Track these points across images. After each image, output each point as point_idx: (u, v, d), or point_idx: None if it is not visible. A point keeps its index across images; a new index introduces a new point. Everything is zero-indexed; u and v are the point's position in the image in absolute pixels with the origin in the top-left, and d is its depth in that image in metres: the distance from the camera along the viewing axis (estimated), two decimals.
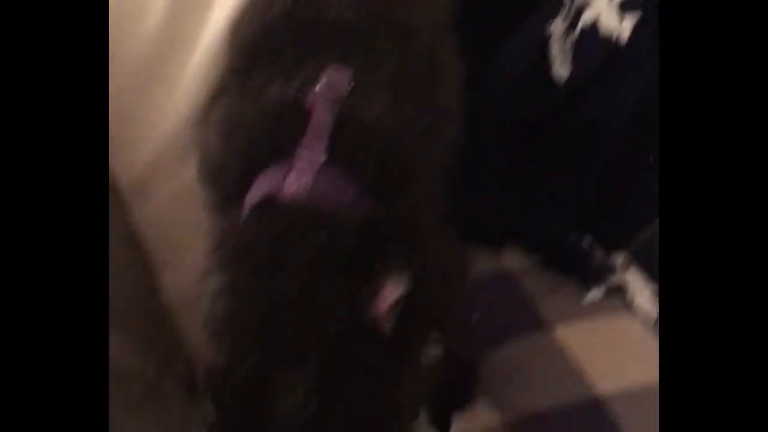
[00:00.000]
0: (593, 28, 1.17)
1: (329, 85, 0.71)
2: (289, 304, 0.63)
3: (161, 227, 0.90)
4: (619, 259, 1.12)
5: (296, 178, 0.67)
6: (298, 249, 0.64)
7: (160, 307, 0.84)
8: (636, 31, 1.15)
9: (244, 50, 0.79)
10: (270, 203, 0.67)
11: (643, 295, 1.06)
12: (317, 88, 0.71)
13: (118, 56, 0.90)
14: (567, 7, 1.25)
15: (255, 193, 0.69)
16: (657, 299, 1.05)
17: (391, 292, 0.64)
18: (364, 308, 0.63)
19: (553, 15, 1.26)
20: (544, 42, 1.26)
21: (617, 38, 1.14)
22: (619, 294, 1.06)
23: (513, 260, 1.09)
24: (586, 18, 1.20)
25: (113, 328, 0.62)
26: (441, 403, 0.89)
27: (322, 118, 0.69)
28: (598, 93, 1.15)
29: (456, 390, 0.91)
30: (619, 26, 1.16)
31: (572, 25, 1.22)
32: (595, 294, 1.04)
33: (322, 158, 0.69)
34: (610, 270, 1.08)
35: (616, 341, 0.99)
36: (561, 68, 1.22)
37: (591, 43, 1.16)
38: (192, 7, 0.96)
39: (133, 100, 0.93)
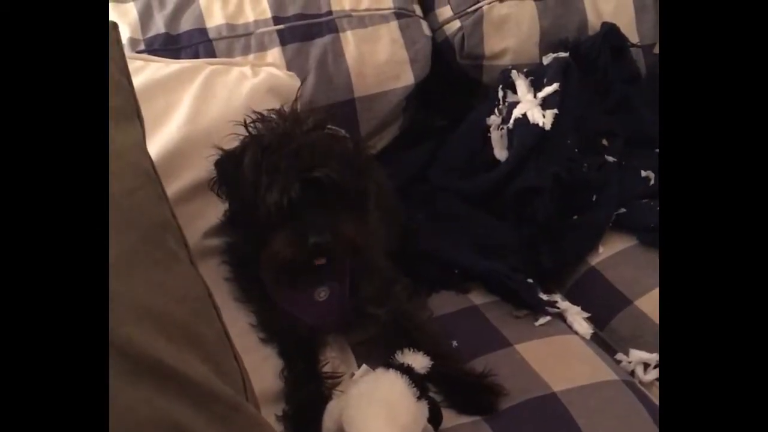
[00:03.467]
0: (524, 118, 1.53)
1: None
2: None
3: None
4: (556, 296, 1.43)
5: None
6: None
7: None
8: (556, 120, 1.52)
9: None
10: None
11: (578, 320, 1.36)
12: None
13: None
14: (500, 105, 1.63)
15: None
16: (590, 323, 1.36)
17: None
18: None
19: (491, 111, 1.64)
20: (485, 131, 1.62)
21: (543, 125, 1.50)
22: (560, 320, 1.36)
23: (479, 298, 1.39)
24: (517, 112, 1.56)
25: (200, 357, 0.79)
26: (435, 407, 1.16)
27: None
28: (531, 167, 1.49)
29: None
30: (543, 118, 1.53)
31: (505, 119, 1.60)
32: (542, 320, 1.33)
33: None
34: (551, 304, 1.38)
35: (563, 353, 1.27)
36: (500, 151, 1.59)
37: (524, 129, 1.52)
38: None
39: None
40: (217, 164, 1.15)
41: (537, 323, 1.33)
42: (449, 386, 1.17)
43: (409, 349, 1.16)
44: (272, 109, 1.16)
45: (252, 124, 1.14)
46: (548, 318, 1.34)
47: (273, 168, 1.06)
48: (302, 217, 1.07)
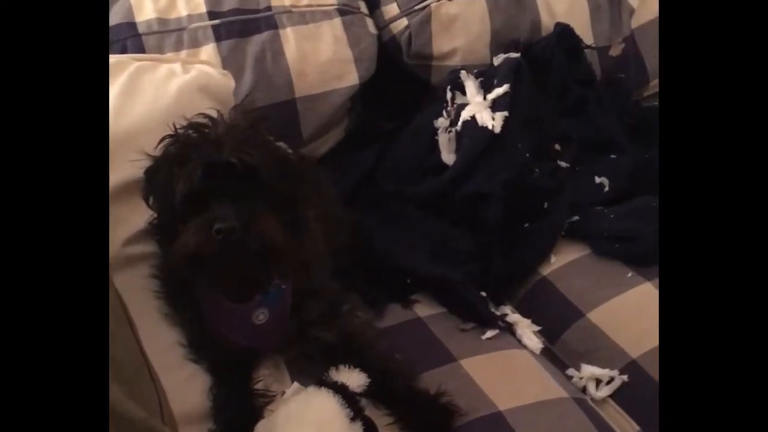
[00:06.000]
0: (473, 120, 1.50)
1: None
2: None
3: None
4: (507, 308, 1.40)
5: None
6: None
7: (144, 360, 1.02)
8: (506, 123, 1.49)
9: None
10: None
11: (527, 334, 1.33)
12: None
13: None
14: (449, 107, 1.59)
15: None
16: (540, 337, 1.34)
17: None
18: None
19: (439, 113, 1.60)
20: (433, 134, 1.58)
21: (492, 128, 1.47)
22: (508, 333, 1.33)
23: (424, 310, 1.35)
24: (465, 115, 1.53)
25: (111, 378, 0.74)
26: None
27: None
28: (480, 172, 1.46)
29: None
30: (492, 121, 1.49)
31: (453, 122, 1.56)
32: (490, 334, 1.29)
33: None
34: (499, 317, 1.35)
35: (511, 368, 1.23)
36: (448, 155, 1.55)
37: (472, 132, 1.49)
38: None
39: None
40: (147, 172, 1.10)
41: (484, 337, 1.29)
42: (401, 406, 1.13)
43: (345, 366, 1.12)
44: (203, 114, 1.10)
45: (182, 130, 1.08)
46: (496, 331, 1.30)
47: (184, 159, 1.01)
48: (211, 208, 1.01)
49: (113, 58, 1.31)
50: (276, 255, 1.04)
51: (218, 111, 1.09)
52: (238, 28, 1.50)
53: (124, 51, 1.43)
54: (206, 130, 1.06)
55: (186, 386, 1.12)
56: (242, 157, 1.00)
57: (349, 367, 1.12)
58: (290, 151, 1.13)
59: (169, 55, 1.44)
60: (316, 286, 1.18)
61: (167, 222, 1.08)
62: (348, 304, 1.23)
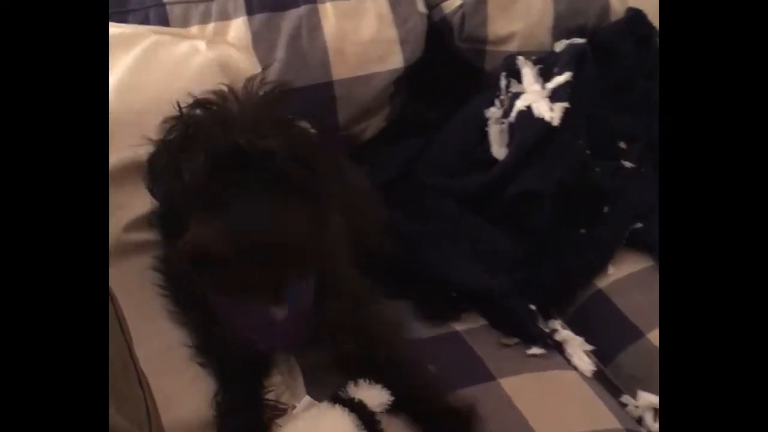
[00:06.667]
0: (528, 111, 1.38)
1: None
2: None
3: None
4: (555, 324, 1.27)
5: None
6: None
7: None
8: (566, 116, 1.37)
9: None
10: None
11: (578, 354, 1.21)
12: None
13: None
14: (502, 96, 1.47)
15: None
16: (592, 358, 1.21)
17: None
18: None
19: (491, 102, 1.48)
20: (482, 125, 1.46)
21: (550, 120, 1.35)
22: (556, 351, 1.20)
23: (462, 323, 1.23)
24: (520, 105, 1.41)
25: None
26: None
27: None
28: (532, 168, 1.34)
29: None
30: (550, 112, 1.37)
31: (507, 112, 1.44)
32: (535, 350, 1.17)
33: None
34: (548, 334, 1.22)
35: (557, 392, 1.12)
36: (499, 148, 1.43)
37: (526, 124, 1.37)
38: None
39: None
40: (149, 159, 1.00)
41: (529, 352, 1.18)
42: (427, 428, 1.04)
43: (366, 381, 1.02)
44: (212, 91, 0.99)
45: (188, 108, 0.98)
46: (543, 350, 1.19)
47: (188, 144, 0.91)
48: (227, 203, 0.89)
49: (130, 29, 1.24)
50: (295, 256, 0.93)
51: (228, 87, 0.98)
52: (271, 0, 1.41)
53: (145, 21, 1.35)
54: (214, 108, 0.95)
55: (187, 391, 1.03)
56: (254, 140, 0.89)
57: (370, 382, 1.01)
58: (313, 131, 1.00)
59: (193, 29, 1.35)
60: (338, 283, 1.08)
61: (171, 213, 0.98)
62: (374, 307, 1.12)
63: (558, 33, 1.56)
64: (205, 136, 0.91)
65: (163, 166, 0.95)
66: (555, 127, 1.36)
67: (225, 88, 0.98)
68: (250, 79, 0.98)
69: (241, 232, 0.87)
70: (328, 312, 1.06)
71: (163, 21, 1.35)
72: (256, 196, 0.89)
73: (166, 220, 1.02)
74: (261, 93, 0.98)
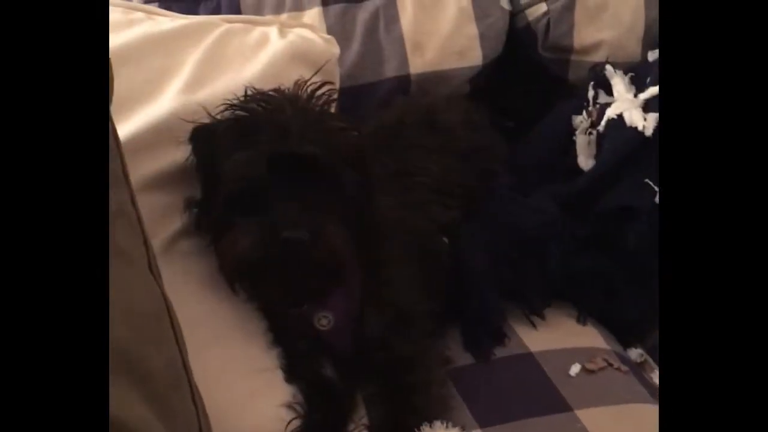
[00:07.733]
0: (619, 119, 1.27)
1: None
2: None
3: None
4: (634, 353, 1.20)
5: None
6: None
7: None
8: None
9: None
10: None
11: None
12: None
13: None
14: (590, 107, 1.37)
15: None
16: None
17: None
18: None
19: (576, 112, 1.38)
20: (567, 134, 1.36)
21: (643, 129, 1.24)
22: (638, 382, 1.11)
23: (535, 343, 1.15)
24: (611, 113, 1.30)
25: (141, 394, 0.69)
26: None
27: None
28: (624, 181, 1.23)
29: None
30: (644, 121, 1.26)
31: (595, 123, 1.33)
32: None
33: None
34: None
35: (639, 427, 1.03)
36: (586, 159, 1.33)
37: (618, 133, 1.26)
38: None
39: None
40: (193, 135, 0.99)
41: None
42: None
43: (443, 424, 0.95)
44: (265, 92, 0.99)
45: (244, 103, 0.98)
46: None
47: (247, 143, 0.90)
48: (273, 207, 0.89)
49: (200, 19, 1.19)
50: (341, 266, 0.93)
51: (281, 89, 0.98)
52: None
53: (217, 9, 1.32)
54: (270, 107, 0.94)
55: (244, 406, 0.99)
56: (307, 147, 0.89)
57: (447, 426, 0.95)
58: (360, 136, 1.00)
59: (268, 17, 1.31)
60: (384, 294, 1.02)
61: (210, 207, 0.96)
62: (419, 322, 1.06)
63: (648, 43, 1.46)
64: (266, 139, 0.90)
65: (215, 145, 0.94)
66: (648, 138, 1.24)
67: (284, 88, 0.99)
68: (301, 84, 0.98)
69: (294, 244, 0.87)
70: (369, 326, 1.02)
71: (235, 9, 1.33)
72: (303, 203, 0.89)
73: (204, 212, 0.99)
74: (313, 98, 0.97)
